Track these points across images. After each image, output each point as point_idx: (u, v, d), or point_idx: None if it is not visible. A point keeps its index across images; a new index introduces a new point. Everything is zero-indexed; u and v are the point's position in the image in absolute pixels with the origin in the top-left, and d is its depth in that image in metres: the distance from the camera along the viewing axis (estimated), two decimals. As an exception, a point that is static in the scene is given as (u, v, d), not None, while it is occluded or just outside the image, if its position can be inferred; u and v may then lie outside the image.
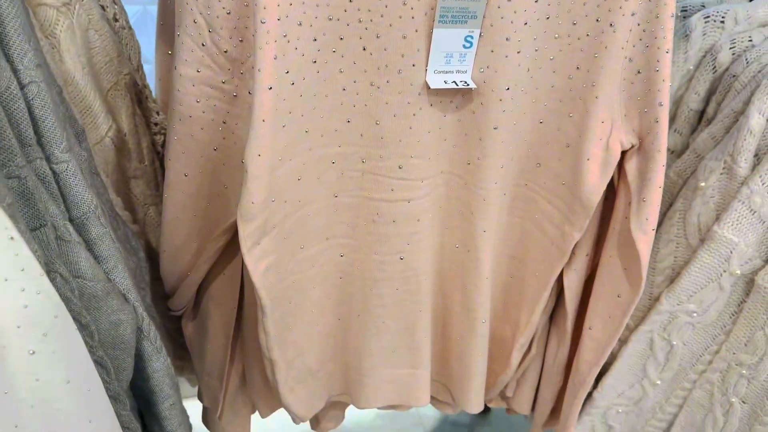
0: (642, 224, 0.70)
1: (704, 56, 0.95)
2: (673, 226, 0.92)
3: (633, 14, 0.63)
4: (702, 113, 0.97)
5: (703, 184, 0.86)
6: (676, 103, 0.98)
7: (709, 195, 0.86)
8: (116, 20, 0.86)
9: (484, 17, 0.64)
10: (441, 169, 0.73)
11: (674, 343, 0.92)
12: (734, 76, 0.91)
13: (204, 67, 0.65)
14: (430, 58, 0.65)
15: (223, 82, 0.66)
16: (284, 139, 0.66)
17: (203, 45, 0.64)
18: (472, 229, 0.74)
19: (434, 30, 0.64)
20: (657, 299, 0.91)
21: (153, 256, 0.89)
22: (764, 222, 0.82)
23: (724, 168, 0.84)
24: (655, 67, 0.64)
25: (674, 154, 0.95)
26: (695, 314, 0.89)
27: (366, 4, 0.63)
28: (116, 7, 0.86)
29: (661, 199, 0.96)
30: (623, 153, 0.70)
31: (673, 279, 0.91)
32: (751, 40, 0.92)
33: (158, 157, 0.94)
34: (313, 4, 0.62)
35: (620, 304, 0.75)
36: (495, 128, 0.69)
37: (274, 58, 0.61)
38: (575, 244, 0.75)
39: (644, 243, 0.70)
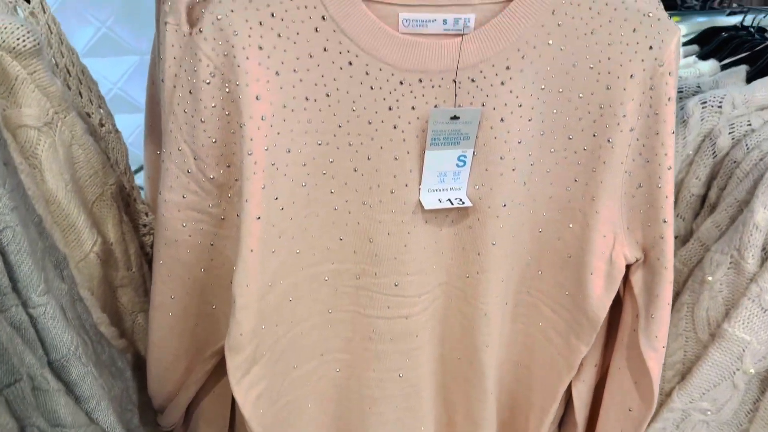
0: (652, 342, 0.67)
1: (703, 141, 0.93)
2: (682, 319, 0.89)
3: (631, 130, 0.61)
4: (704, 197, 0.95)
5: (710, 278, 0.83)
6: (677, 188, 0.96)
7: (717, 290, 0.83)
8: (102, 125, 0.85)
9: (477, 138, 0.62)
10: (439, 281, 0.70)
11: (690, 442, 0.88)
12: (735, 162, 0.89)
13: (190, 192, 0.63)
14: (423, 177, 0.63)
15: (210, 206, 0.64)
16: (274, 263, 0.63)
17: (188, 172, 0.62)
18: (474, 343, 0.71)
19: (426, 152, 0.62)
20: (668, 395, 0.87)
21: (142, 365, 0.86)
22: (776, 320, 0.79)
23: (731, 263, 0.81)
24: (657, 183, 0.62)
25: (678, 239, 0.92)
26: (709, 412, 0.85)
27: (356, 128, 0.61)
28: (102, 111, 0.85)
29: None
30: (628, 266, 0.67)
31: (683, 374, 0.88)
32: (750, 125, 0.91)
33: (147, 259, 0.91)
34: (302, 131, 0.60)
35: (632, 418, 0.72)
36: (493, 244, 0.66)
37: (263, 188, 0.59)
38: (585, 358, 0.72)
39: (654, 361, 0.67)
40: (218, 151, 0.60)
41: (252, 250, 0.60)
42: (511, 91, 0.60)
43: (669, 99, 0.59)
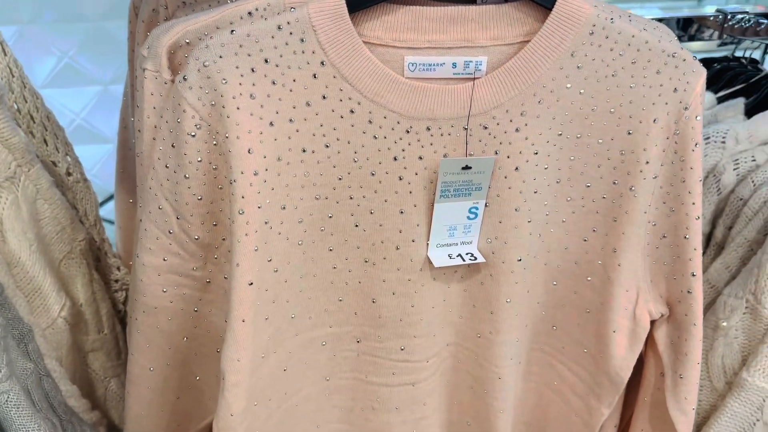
0: (681, 404, 0.62)
1: (707, 177, 0.90)
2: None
3: (655, 177, 0.56)
4: (708, 236, 0.92)
5: (725, 324, 0.79)
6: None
7: (733, 336, 0.79)
8: (69, 174, 0.77)
9: (489, 188, 0.57)
10: (447, 341, 0.64)
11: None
12: (742, 199, 0.86)
13: (171, 255, 0.56)
14: (432, 232, 0.58)
15: (194, 269, 0.57)
16: (268, 332, 0.57)
17: (170, 232, 0.55)
18: (486, 408, 0.65)
19: (435, 205, 0.56)
20: (684, 448, 0.82)
21: (116, 435, 0.78)
22: (798, 368, 0.75)
23: (746, 307, 0.77)
24: (684, 234, 0.57)
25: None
26: (729, 466, 0.80)
27: (357, 180, 0.55)
28: (69, 159, 0.78)
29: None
30: (652, 321, 0.62)
31: (699, 425, 0.83)
32: (754, 160, 0.88)
33: (119, 318, 0.83)
34: (298, 185, 0.54)
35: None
36: (508, 301, 0.61)
37: (255, 250, 0.53)
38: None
39: (684, 425, 0.62)
40: (204, 209, 0.54)
41: (244, 320, 0.53)
42: (526, 138, 0.55)
43: (696, 144, 0.55)
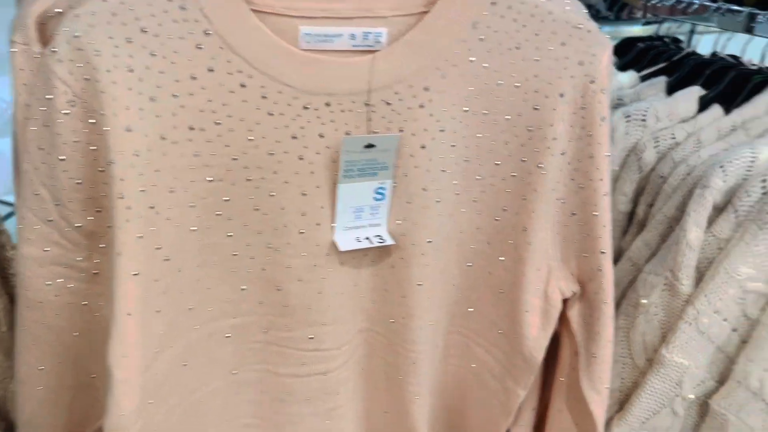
0: (595, 383, 0.61)
1: (628, 155, 0.90)
2: (617, 345, 0.85)
3: (563, 154, 0.55)
4: (631, 214, 0.92)
5: (644, 301, 0.80)
6: (605, 206, 0.92)
7: (653, 313, 0.79)
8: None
9: (396, 167, 0.54)
10: (359, 327, 0.62)
11: (633, 474, 0.83)
12: (662, 177, 0.86)
13: (53, 244, 0.52)
14: (337, 215, 0.55)
15: (79, 260, 0.53)
16: (160, 326, 0.53)
17: (49, 220, 0.51)
18: (402, 394, 0.63)
19: (339, 185, 0.53)
20: (607, 425, 0.82)
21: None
22: (714, 342, 0.76)
23: (665, 285, 0.78)
24: (593, 211, 0.56)
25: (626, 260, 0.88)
26: (651, 442, 0.81)
27: (254, 161, 0.52)
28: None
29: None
30: (565, 301, 0.61)
31: (621, 402, 0.83)
32: (674, 137, 0.88)
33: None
34: (187, 167, 0.50)
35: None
36: (419, 284, 0.59)
37: (139, 237, 0.49)
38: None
39: (598, 404, 0.61)
40: (84, 194, 0.50)
41: (130, 314, 0.49)
42: (431, 115, 0.53)
43: (603, 119, 0.53)
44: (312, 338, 0.59)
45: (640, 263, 0.85)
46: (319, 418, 0.62)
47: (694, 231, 0.77)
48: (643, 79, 1.02)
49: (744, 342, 0.74)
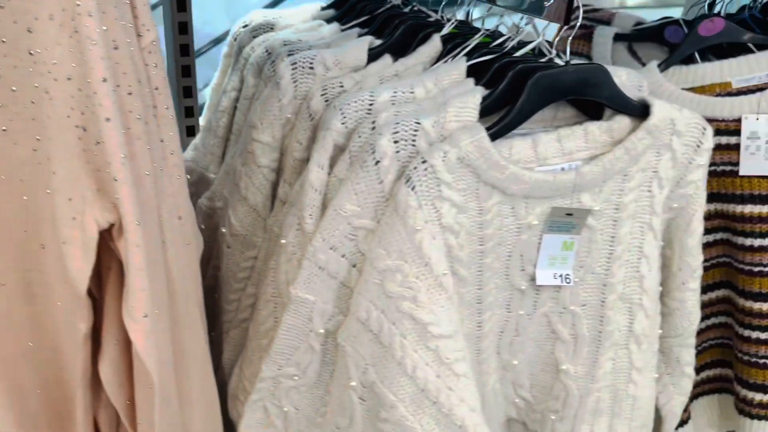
0: (130, 311, 0.61)
1: (301, 104, 0.92)
2: (269, 285, 0.87)
3: (69, 79, 0.55)
4: (307, 161, 0.94)
5: (283, 241, 0.82)
6: (283, 153, 0.94)
7: (291, 252, 0.81)
8: None
9: None
10: None
11: (286, 409, 0.87)
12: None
13: None
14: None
15: None
16: None
17: None
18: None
19: None
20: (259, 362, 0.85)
21: None
22: (335, 278, 0.78)
23: (298, 224, 0.80)
24: (97, 139, 0.56)
25: (287, 205, 0.90)
26: (296, 377, 0.84)
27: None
28: None
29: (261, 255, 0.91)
30: (109, 232, 0.61)
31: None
32: (342, 86, 0.90)
33: None
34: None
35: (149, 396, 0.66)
36: None
37: None
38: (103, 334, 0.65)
39: (137, 332, 0.62)
40: None
41: None
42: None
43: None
44: None
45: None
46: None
47: (315, 171, 0.80)
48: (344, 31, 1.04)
49: (364, 276, 0.77)
